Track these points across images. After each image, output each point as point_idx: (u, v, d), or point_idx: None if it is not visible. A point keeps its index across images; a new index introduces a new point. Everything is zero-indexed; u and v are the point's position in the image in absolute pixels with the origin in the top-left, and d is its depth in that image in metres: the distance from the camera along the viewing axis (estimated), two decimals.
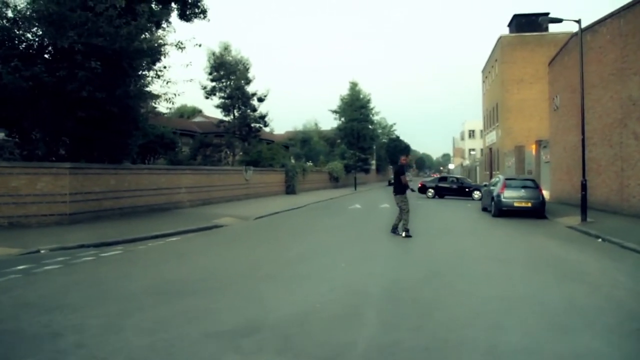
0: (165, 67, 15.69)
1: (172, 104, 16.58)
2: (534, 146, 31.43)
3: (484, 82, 52.37)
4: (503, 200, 17.96)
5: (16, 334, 4.69)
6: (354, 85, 57.95)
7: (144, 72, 15.35)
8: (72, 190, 13.79)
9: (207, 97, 33.76)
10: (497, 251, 10.71)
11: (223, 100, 33.63)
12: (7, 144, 15.09)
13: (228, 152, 34.07)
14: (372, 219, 17.65)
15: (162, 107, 18.51)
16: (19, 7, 12.86)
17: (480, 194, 27.50)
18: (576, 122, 18.60)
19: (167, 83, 15.61)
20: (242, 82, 33.27)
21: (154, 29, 16.01)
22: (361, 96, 57.84)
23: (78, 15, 12.63)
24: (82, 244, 10.54)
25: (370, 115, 60.04)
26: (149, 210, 17.44)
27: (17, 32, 13.03)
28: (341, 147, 56.85)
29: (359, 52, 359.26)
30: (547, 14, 28.59)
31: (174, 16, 17.80)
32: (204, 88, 33.32)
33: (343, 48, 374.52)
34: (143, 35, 14.36)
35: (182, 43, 15.28)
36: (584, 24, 17.24)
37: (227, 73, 33.04)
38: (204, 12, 18.25)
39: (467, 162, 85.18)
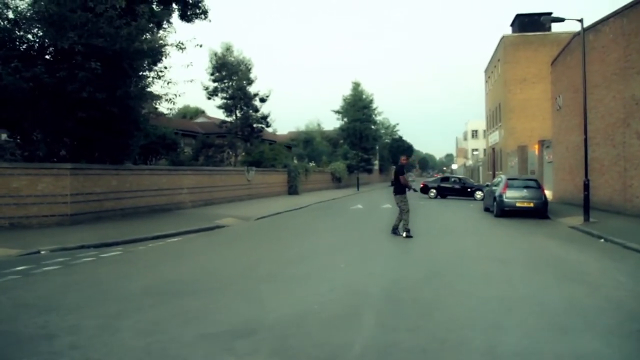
0: (166, 68, 15.69)
1: (174, 104, 16.58)
2: (536, 146, 31.34)
3: (486, 82, 52.29)
4: (505, 200, 17.90)
5: (12, 335, 4.68)
6: (356, 86, 57.93)
7: (144, 73, 15.35)
8: (73, 191, 13.79)
9: (209, 98, 33.78)
10: (498, 251, 10.66)
11: (225, 101, 33.62)
12: (8, 144, 15.10)
13: (230, 153, 34.05)
14: (373, 219, 17.61)
15: (163, 107, 18.48)
16: (19, 8, 12.87)
17: (482, 194, 27.42)
18: (579, 122, 18.55)
19: (167, 84, 15.61)
20: (244, 82, 33.25)
21: (154, 29, 16.00)
22: (364, 96, 57.80)
23: (78, 16, 12.63)
24: (83, 244, 10.53)
25: (373, 116, 60.00)
26: (151, 211, 17.44)
27: (18, 33, 13.05)
28: (344, 148, 56.78)
29: (360, 52, 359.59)
30: (550, 13, 28.57)
31: (174, 17, 17.81)
32: (206, 89, 33.34)
33: (344, 48, 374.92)
34: (144, 36, 14.35)
35: (182, 44, 15.28)
36: (586, 24, 17.17)
37: (229, 73, 33.03)
38: (204, 12, 18.24)
39: (470, 162, 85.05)
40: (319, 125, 62.31)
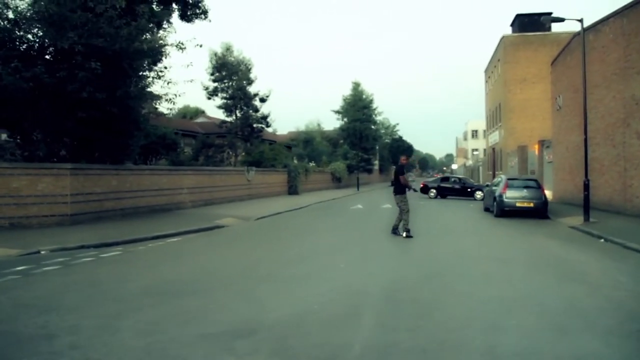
0: (166, 68, 15.69)
1: (174, 104, 16.58)
2: (536, 146, 31.34)
3: (486, 82, 52.28)
4: (505, 200, 17.89)
5: (11, 335, 4.68)
6: (356, 86, 57.92)
7: (144, 73, 15.35)
8: (73, 191, 13.79)
9: (209, 98, 33.78)
10: (498, 251, 10.66)
11: (225, 101, 33.61)
12: (8, 144, 15.10)
13: (230, 153, 34.04)
14: (373, 219, 17.61)
15: (163, 107, 18.47)
16: (19, 8, 12.87)
17: (482, 194, 27.42)
18: (579, 122, 18.55)
19: (167, 84, 15.61)
20: (244, 82, 33.25)
21: (155, 29, 16.00)
22: (364, 96, 57.80)
23: (78, 16, 12.63)
24: (82, 244, 10.53)
25: (373, 116, 60.00)
26: (151, 211, 17.44)
27: (18, 33, 13.05)
28: (344, 148, 56.76)
29: (360, 52, 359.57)
30: (550, 13, 28.56)
31: (175, 17, 17.81)
32: (206, 89, 33.33)
33: (344, 48, 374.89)
34: (144, 36, 14.35)
35: (182, 44, 15.28)
36: (586, 24, 17.17)
37: (229, 73, 33.02)
38: (204, 12, 18.24)
39: (470, 162, 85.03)
40: (319, 125, 62.34)
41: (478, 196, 29.49)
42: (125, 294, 6.35)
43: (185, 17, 18.18)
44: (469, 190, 31.40)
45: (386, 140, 76.61)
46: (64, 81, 12.85)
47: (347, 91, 59.46)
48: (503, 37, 40.46)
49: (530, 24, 39.08)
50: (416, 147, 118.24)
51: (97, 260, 9.00)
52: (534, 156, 32.18)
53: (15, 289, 6.68)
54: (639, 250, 10.22)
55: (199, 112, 53.68)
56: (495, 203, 18.52)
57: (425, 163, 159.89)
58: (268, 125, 36.25)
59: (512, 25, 42.62)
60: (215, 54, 32.81)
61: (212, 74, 33.06)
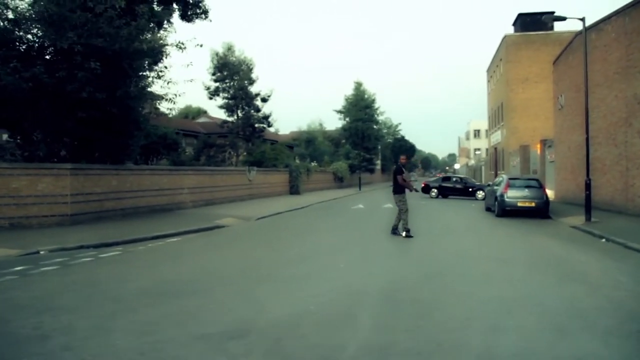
0: (166, 67, 15.67)
1: (174, 104, 16.56)
2: (538, 146, 31.25)
3: (489, 81, 52.18)
4: (506, 200, 17.83)
5: (4, 336, 4.65)
6: (358, 85, 57.86)
7: (144, 73, 15.32)
8: (73, 191, 13.78)
9: (210, 98, 33.80)
10: (499, 251, 10.61)
11: (227, 101, 33.63)
12: (8, 145, 15.11)
13: (232, 153, 34.04)
14: (374, 219, 17.56)
15: (164, 107, 18.46)
16: (19, 9, 12.87)
17: (484, 194, 27.35)
18: (581, 121, 18.47)
19: (168, 83, 15.58)
20: (246, 82, 33.25)
21: (155, 29, 15.99)
22: (366, 96, 57.74)
23: (78, 16, 12.61)
24: (82, 244, 10.51)
25: (375, 115, 59.91)
26: (151, 211, 17.42)
27: (18, 33, 13.04)
28: (346, 147, 56.70)
29: (361, 52, 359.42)
30: (552, 13, 28.45)
31: (175, 17, 17.79)
32: (208, 89, 33.35)
33: (345, 48, 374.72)
34: (144, 36, 14.33)
35: (182, 43, 15.25)
36: (588, 22, 17.10)
37: (231, 73, 33.03)
38: (205, 12, 18.22)
39: (472, 162, 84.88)
40: (321, 125, 62.36)
41: (479, 196, 29.45)
42: (122, 294, 6.32)
43: (185, 17, 18.16)
44: (470, 190, 31.33)
45: (388, 140, 76.56)
46: (63, 81, 12.83)
47: (349, 91, 59.51)
48: (505, 37, 40.36)
49: (532, 23, 38.99)
50: (419, 146, 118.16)
51: (96, 260, 8.98)
52: (536, 156, 32.10)
53: (12, 289, 6.66)
54: None
55: (201, 112, 53.75)
56: (496, 203, 18.46)
57: (428, 163, 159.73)
58: (269, 125, 36.27)
59: (514, 24, 42.53)
60: (217, 54, 32.82)
61: (213, 74, 33.08)
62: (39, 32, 13.22)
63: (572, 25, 25.29)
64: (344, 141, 59.12)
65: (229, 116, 34.52)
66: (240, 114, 34.03)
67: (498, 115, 44.86)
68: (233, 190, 24.89)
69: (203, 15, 18.32)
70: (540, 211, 17.71)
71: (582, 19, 16.18)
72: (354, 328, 4.98)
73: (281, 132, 56.62)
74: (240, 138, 34.35)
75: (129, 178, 16.59)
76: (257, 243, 12.07)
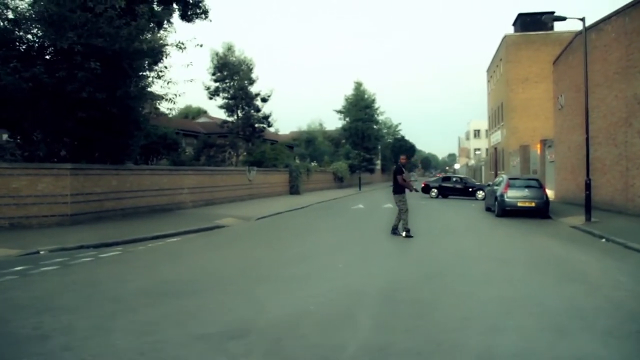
0: (166, 67, 15.67)
1: (174, 103, 16.57)
2: (538, 146, 31.25)
3: (489, 81, 52.17)
4: (506, 200, 17.83)
5: (4, 336, 4.66)
6: (358, 85, 57.85)
7: (144, 73, 15.32)
8: (73, 191, 13.78)
9: (210, 98, 33.81)
10: (499, 251, 10.61)
11: (227, 101, 33.64)
12: (8, 145, 15.11)
13: (232, 153, 34.04)
14: (374, 219, 17.56)
15: (164, 107, 18.47)
16: (19, 9, 12.87)
17: (484, 194, 27.35)
18: (581, 121, 18.47)
19: (167, 83, 15.58)
20: (246, 82, 33.26)
21: (155, 29, 15.99)
22: (366, 96, 57.72)
23: (78, 16, 12.61)
24: (82, 244, 10.51)
25: (375, 115, 59.90)
26: (151, 211, 17.42)
27: (18, 33, 13.04)
28: (346, 147, 56.70)
29: (361, 52, 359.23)
30: (553, 13, 28.45)
31: (175, 16, 17.79)
32: (208, 89, 33.35)
33: (345, 48, 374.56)
34: (144, 36, 14.32)
35: (182, 43, 15.25)
36: (588, 22, 17.09)
37: (231, 73, 33.03)
38: (205, 12, 18.21)
39: (472, 162, 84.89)
40: (321, 125, 62.35)
41: (479, 196, 29.45)
42: (122, 294, 6.32)
43: (185, 17, 18.16)
44: (470, 190, 31.33)
45: (388, 140, 76.56)
46: (63, 81, 12.83)
47: (349, 91, 59.47)
48: (505, 37, 40.36)
49: (532, 23, 38.98)
50: (419, 146, 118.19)
51: (95, 260, 8.98)
52: (536, 156, 32.09)
53: (12, 289, 6.66)
54: None
55: (201, 112, 53.76)
56: (496, 203, 18.46)
57: (428, 163, 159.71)
58: (269, 125, 36.27)
59: (514, 24, 42.53)
60: (217, 54, 32.82)
61: (213, 74, 33.08)
62: (39, 32, 13.22)
63: (572, 25, 25.31)
64: (344, 141, 59.12)
65: (229, 116, 34.53)
66: (240, 114, 34.04)
67: (498, 115, 44.86)
68: (233, 190, 24.89)
69: (203, 15, 18.32)
70: (540, 211, 17.71)
71: (582, 19, 16.18)
72: (354, 328, 4.98)
73: (281, 132, 56.65)
74: (240, 138, 34.36)
75: (129, 178, 16.59)
76: (257, 243, 12.07)
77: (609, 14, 18.59)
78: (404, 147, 76.54)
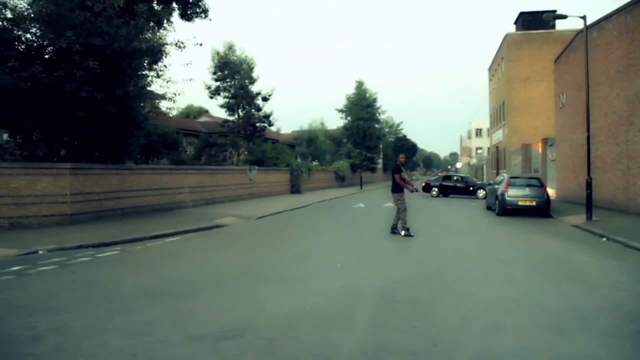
0: (165, 67, 15.66)
1: (174, 102, 16.55)
2: (540, 144, 31.17)
3: (490, 80, 52.04)
4: (507, 199, 17.78)
5: None
6: (360, 84, 57.78)
7: (144, 72, 15.30)
8: (72, 191, 13.77)
9: (211, 97, 33.87)
10: (499, 251, 10.56)
11: (227, 100, 33.67)
12: (8, 144, 15.11)
13: (232, 152, 34.06)
14: (374, 218, 17.52)
15: (163, 106, 18.45)
16: (18, 8, 12.84)
17: (484, 193, 27.29)
18: (582, 120, 18.38)
19: (167, 82, 15.57)
20: (247, 81, 33.29)
21: (155, 28, 15.96)
22: (367, 95, 57.65)
23: (76, 15, 12.58)
24: (81, 244, 10.49)
25: (377, 114, 59.82)
26: (151, 211, 17.41)
27: (16, 33, 13.02)
28: (347, 146, 56.70)
29: (362, 51, 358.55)
30: (555, 11, 28.37)
31: (175, 16, 17.76)
32: (209, 88, 33.38)
33: (345, 47, 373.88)
34: (143, 35, 14.29)
35: (182, 42, 15.24)
36: (590, 21, 17.01)
37: (232, 72, 33.05)
38: (205, 11, 18.19)
39: (474, 161, 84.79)
40: (322, 124, 62.41)
41: (480, 195, 29.41)
42: (119, 294, 6.30)
43: (185, 16, 18.14)
44: (471, 188, 31.28)
45: (390, 139, 76.53)
46: (62, 81, 12.81)
47: (350, 90, 59.49)
48: (507, 35, 40.25)
49: (534, 21, 38.85)
50: (420, 145, 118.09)
51: (94, 260, 8.96)
52: (537, 154, 32.01)
53: (9, 289, 6.63)
54: None
55: (202, 112, 53.83)
56: (497, 202, 18.41)
57: (430, 162, 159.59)
58: (270, 124, 36.27)
59: (515, 23, 42.42)
60: (218, 53, 32.85)
61: (214, 73, 33.11)
62: (37, 31, 13.20)
63: (573, 24, 25.30)
64: (345, 140, 59.11)
65: (229, 115, 34.55)
66: (241, 113, 34.05)
67: (499, 114, 44.76)
68: (234, 189, 24.88)
69: (203, 15, 18.29)
70: (541, 210, 17.65)
71: (584, 17, 16.11)
72: (351, 328, 4.94)
73: (282, 132, 56.71)
74: (241, 137, 34.37)
75: (129, 177, 16.58)
76: (257, 242, 12.04)
77: (610, 12, 18.51)
78: (406, 146, 76.52)
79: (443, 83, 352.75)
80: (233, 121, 34.24)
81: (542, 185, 18.40)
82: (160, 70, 15.59)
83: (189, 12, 18.05)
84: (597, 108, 18.81)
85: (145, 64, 15.10)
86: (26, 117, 13.82)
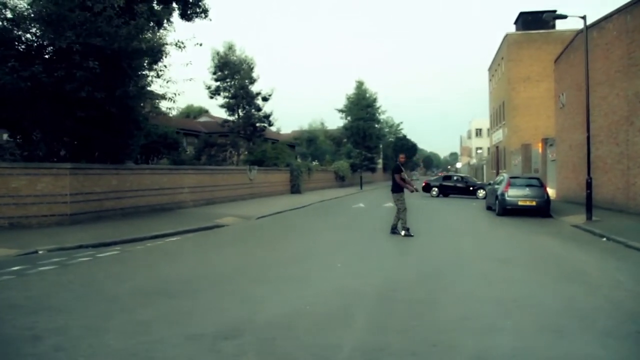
0: (165, 67, 15.65)
1: (174, 102, 16.55)
2: (540, 144, 31.16)
3: (490, 80, 52.03)
4: (507, 199, 17.78)
5: None
6: (360, 84, 57.76)
7: (143, 72, 15.29)
8: (72, 191, 13.77)
9: (211, 97, 33.87)
10: (499, 251, 10.56)
11: (227, 100, 33.67)
12: (8, 144, 15.11)
13: (233, 152, 34.06)
14: (374, 218, 17.51)
15: (163, 106, 18.45)
16: (18, 8, 12.85)
17: (484, 193, 27.29)
18: (582, 120, 18.38)
19: (167, 82, 15.57)
20: (247, 81, 33.28)
21: (155, 28, 15.96)
22: (367, 95, 57.62)
23: (76, 15, 12.58)
24: (81, 244, 10.49)
25: (377, 114, 59.78)
26: (151, 211, 17.41)
27: (16, 33, 13.02)
28: (347, 146, 56.68)
29: (362, 51, 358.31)
30: (555, 11, 28.36)
31: (175, 15, 17.76)
32: (209, 88, 33.38)
33: (345, 47, 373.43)
34: (143, 35, 14.29)
35: (182, 42, 15.24)
36: (590, 21, 17.01)
37: (232, 72, 33.05)
38: (205, 11, 18.17)
39: (474, 161, 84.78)
40: (322, 124, 62.42)
41: (480, 195, 29.41)
42: (118, 294, 6.30)
43: (185, 16, 18.12)
44: (471, 188, 31.28)
45: (390, 139, 76.51)
46: (62, 81, 12.80)
47: (350, 90, 59.38)
48: (507, 35, 40.25)
49: (534, 21, 38.84)
50: (420, 145, 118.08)
51: (93, 260, 8.96)
52: (537, 154, 32.01)
53: (8, 289, 6.63)
54: None
55: (203, 112, 53.82)
56: (497, 202, 18.41)
57: (430, 162, 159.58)
58: (270, 124, 36.27)
59: (515, 23, 42.41)
60: (218, 53, 32.86)
61: (214, 73, 33.10)
62: (37, 31, 13.19)
63: (573, 24, 25.30)
64: (345, 140, 59.10)
65: (230, 115, 34.54)
66: (241, 113, 34.05)
67: (500, 114, 44.76)
68: (234, 189, 24.88)
69: (203, 15, 18.27)
70: (541, 210, 17.65)
71: (583, 17, 16.11)
72: (349, 328, 4.94)
73: (282, 132, 56.69)
74: (241, 137, 34.37)
75: (129, 177, 16.57)
76: (257, 242, 12.04)
77: (610, 12, 18.51)
78: (406, 146, 76.50)
79: (443, 83, 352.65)
80: (233, 121, 34.24)
81: (542, 185, 18.40)
82: (160, 70, 15.60)
83: (189, 12, 18.04)
84: (597, 108, 18.81)
85: (145, 64, 15.09)
86: (26, 117, 13.81)
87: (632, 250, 10.25)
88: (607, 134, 18.69)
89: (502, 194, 17.95)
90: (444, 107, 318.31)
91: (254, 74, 33.85)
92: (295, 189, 33.50)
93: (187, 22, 18.30)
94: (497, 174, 39.66)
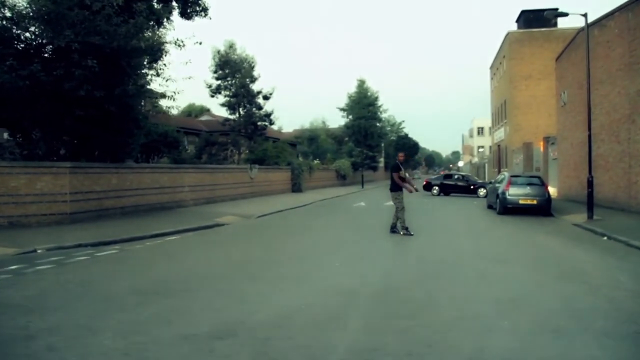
0: (165, 65, 15.64)
1: (174, 101, 16.56)
2: (541, 143, 31.08)
3: (492, 78, 51.92)
4: (508, 197, 17.71)
5: None
6: (361, 83, 57.59)
7: (143, 71, 15.27)
8: (72, 190, 13.76)
9: (212, 96, 33.78)
10: (499, 250, 10.52)
11: (228, 99, 33.59)
12: (8, 143, 15.10)
13: (233, 151, 34.02)
14: (375, 217, 17.47)
15: (163, 105, 18.44)
16: (17, 7, 12.83)
17: (485, 192, 27.21)
18: (583, 118, 18.30)
19: (166, 81, 15.55)
20: (247, 80, 33.20)
21: (155, 27, 15.93)
22: (369, 94, 57.42)
23: (75, 13, 12.55)
24: (80, 243, 10.49)
25: (378, 113, 59.57)
26: (151, 209, 17.40)
27: (15, 32, 13.00)
28: (349, 145, 56.60)
29: (364, 49, 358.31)
30: (556, 9, 28.25)
31: (175, 14, 17.70)
32: (209, 86, 33.32)
33: (347, 45, 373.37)
34: (143, 34, 14.26)
35: (182, 41, 15.23)
36: (592, 19, 16.93)
37: (232, 71, 32.98)
38: (205, 10, 18.10)
39: (476, 160, 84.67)
40: (323, 122, 62.28)
41: (481, 193, 29.32)
42: (115, 293, 6.28)
43: (185, 14, 18.05)
44: (472, 187, 31.18)
45: (392, 138, 76.31)
46: (61, 79, 12.79)
47: (352, 88, 59.21)
48: (508, 34, 40.16)
49: (535, 20, 38.74)
50: (422, 144, 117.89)
51: (92, 259, 8.94)
52: (539, 153, 31.92)
53: (5, 288, 6.62)
54: None
55: (204, 110, 53.85)
56: (498, 200, 18.35)
57: (432, 160, 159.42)
58: (271, 123, 36.19)
59: (517, 21, 42.30)
60: (218, 52, 32.79)
61: (215, 72, 33.04)
62: (36, 30, 13.18)
63: (575, 22, 25.23)
64: (346, 139, 58.99)
65: (230, 114, 34.48)
66: (242, 112, 33.99)
67: (501, 113, 44.66)
68: (234, 188, 24.85)
69: (203, 13, 18.19)
70: (542, 209, 17.58)
71: (585, 15, 16.02)
72: (346, 328, 4.90)
73: (284, 130, 56.58)
74: (242, 136, 34.33)
75: (129, 176, 16.56)
76: (257, 241, 12.02)
77: (611, 10, 18.42)
78: (407, 145, 76.34)
79: (445, 82, 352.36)
80: (234, 120, 34.19)
81: (543, 184, 18.34)
82: (160, 69, 15.59)
83: (188, 10, 17.97)
84: (599, 106, 18.73)
85: (144, 63, 15.07)
86: (25, 116, 13.80)
87: (633, 250, 10.19)
88: (608, 132, 18.62)
89: (503, 193, 17.89)
90: (445, 106, 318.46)
91: (255, 73, 33.80)
92: (296, 188, 33.46)
93: (187, 21, 18.23)
94: (499, 172, 39.59)
